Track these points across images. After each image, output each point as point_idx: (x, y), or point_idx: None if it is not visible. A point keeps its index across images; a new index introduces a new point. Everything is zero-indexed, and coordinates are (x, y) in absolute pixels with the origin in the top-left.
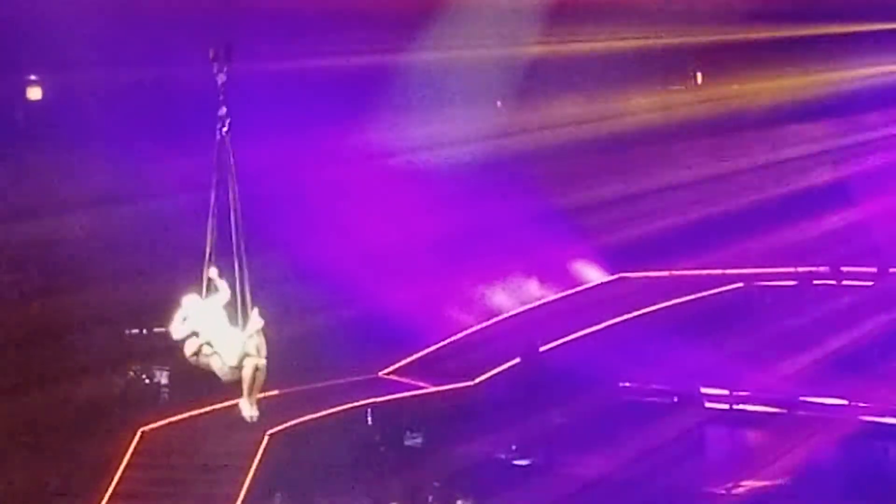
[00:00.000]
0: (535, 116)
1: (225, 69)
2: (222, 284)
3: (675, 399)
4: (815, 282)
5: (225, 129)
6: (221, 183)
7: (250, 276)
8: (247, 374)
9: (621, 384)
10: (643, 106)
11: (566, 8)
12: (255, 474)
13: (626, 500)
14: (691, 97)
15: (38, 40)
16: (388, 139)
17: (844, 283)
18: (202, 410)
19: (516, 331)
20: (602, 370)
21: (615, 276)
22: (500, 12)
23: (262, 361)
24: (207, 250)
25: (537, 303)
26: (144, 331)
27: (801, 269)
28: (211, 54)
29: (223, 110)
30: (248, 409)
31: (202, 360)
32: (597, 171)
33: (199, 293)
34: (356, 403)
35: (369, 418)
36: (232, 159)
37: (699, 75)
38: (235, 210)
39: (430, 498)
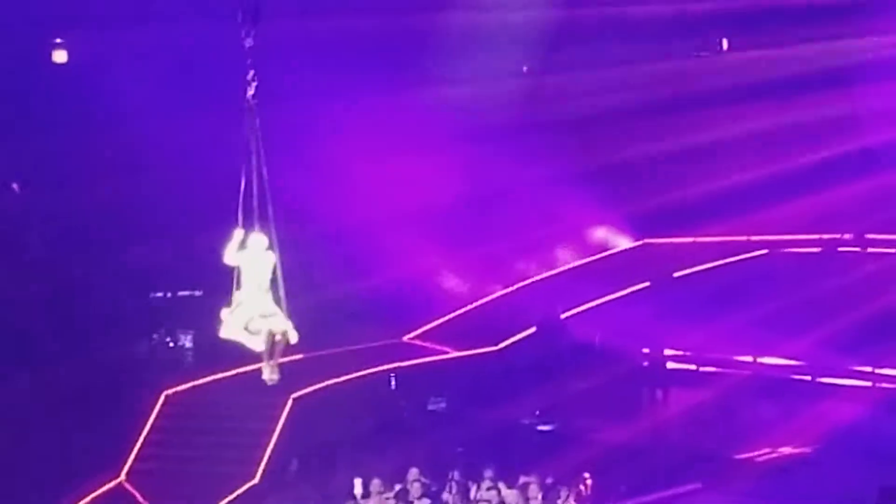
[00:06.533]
0: (561, 81)
1: (252, 32)
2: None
3: (699, 366)
4: (840, 249)
5: (252, 92)
6: (250, 147)
7: (277, 240)
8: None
9: (645, 350)
10: (669, 72)
11: None
12: (278, 438)
13: (650, 466)
14: (717, 63)
15: (64, 2)
16: (414, 103)
17: (869, 250)
18: (226, 374)
19: (541, 296)
20: (626, 336)
21: (640, 243)
22: None
23: (284, 328)
24: (239, 215)
25: (562, 268)
26: (169, 294)
27: (826, 236)
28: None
29: (251, 74)
30: (268, 373)
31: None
32: (623, 136)
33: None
34: (380, 368)
35: (393, 383)
36: (258, 124)
37: (725, 42)
38: (261, 175)
39: (454, 463)
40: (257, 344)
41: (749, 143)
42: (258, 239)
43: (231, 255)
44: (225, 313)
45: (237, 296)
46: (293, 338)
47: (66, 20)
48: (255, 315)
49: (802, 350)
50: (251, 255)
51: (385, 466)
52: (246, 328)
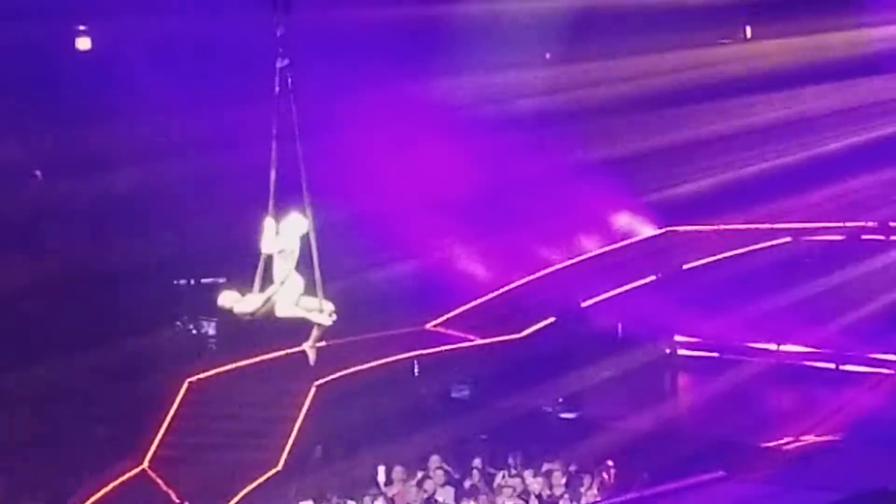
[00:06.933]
0: (584, 69)
1: (283, 21)
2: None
3: (722, 354)
4: (864, 237)
5: (289, 81)
6: (282, 135)
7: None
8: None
9: (668, 338)
10: (692, 60)
11: None
12: (301, 425)
13: (673, 454)
14: (740, 51)
15: None
16: (437, 92)
17: (893, 238)
18: (249, 361)
19: (565, 284)
20: (649, 324)
21: (663, 231)
22: None
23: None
24: (270, 203)
25: (585, 256)
26: (192, 281)
27: (849, 224)
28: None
29: (284, 62)
30: (312, 355)
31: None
32: (646, 125)
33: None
34: (403, 355)
35: (416, 370)
36: (295, 112)
37: (748, 29)
38: (302, 164)
39: (477, 451)
40: (323, 318)
41: (772, 132)
42: (297, 220)
43: (269, 243)
44: (238, 307)
45: (278, 277)
46: (333, 316)
47: (89, 7)
48: (300, 292)
49: (826, 338)
50: (289, 237)
51: (408, 454)
52: (297, 305)
